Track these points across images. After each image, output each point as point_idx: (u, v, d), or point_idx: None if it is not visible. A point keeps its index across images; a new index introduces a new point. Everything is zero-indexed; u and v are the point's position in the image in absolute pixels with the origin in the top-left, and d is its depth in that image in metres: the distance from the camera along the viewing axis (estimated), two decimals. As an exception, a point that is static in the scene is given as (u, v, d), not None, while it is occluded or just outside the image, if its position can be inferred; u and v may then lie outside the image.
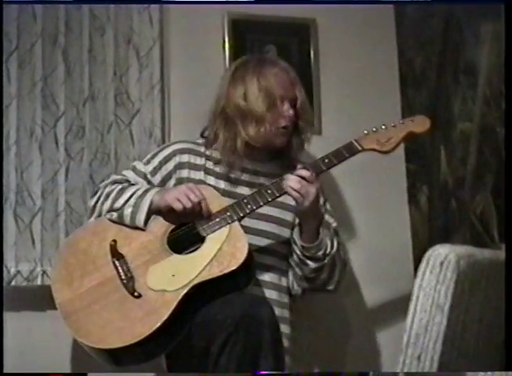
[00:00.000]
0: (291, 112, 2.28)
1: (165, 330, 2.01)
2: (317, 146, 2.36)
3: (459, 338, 1.50)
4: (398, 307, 2.68)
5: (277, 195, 2.18)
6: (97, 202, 2.28)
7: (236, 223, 2.15)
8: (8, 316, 2.41)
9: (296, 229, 2.26)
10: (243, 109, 2.27)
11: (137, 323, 2.02)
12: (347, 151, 2.19)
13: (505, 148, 2.08)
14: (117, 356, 2.06)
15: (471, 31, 2.56)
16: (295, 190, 2.13)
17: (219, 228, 2.14)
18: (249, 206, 2.17)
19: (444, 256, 1.47)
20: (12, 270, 2.44)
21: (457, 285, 1.46)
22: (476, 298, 1.53)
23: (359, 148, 2.20)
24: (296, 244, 2.25)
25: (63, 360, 2.47)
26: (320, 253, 2.22)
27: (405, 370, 1.48)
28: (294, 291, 2.34)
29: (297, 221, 2.30)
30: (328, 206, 2.40)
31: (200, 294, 2.06)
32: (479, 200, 2.52)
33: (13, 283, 2.43)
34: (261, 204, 2.18)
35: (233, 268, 2.06)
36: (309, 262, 2.23)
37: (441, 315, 1.46)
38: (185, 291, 2.04)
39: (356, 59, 2.91)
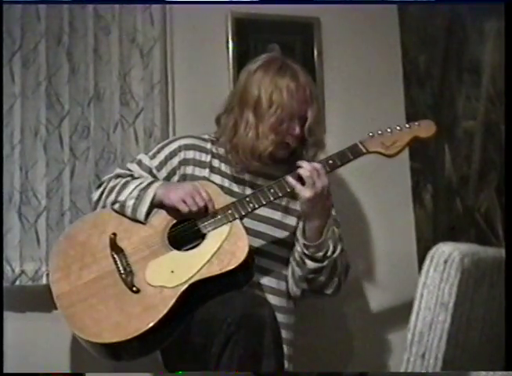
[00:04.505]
0: (298, 131, 2.24)
1: (162, 326, 2.00)
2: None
3: (464, 335, 1.50)
4: (402, 306, 2.68)
5: (280, 195, 2.17)
6: (101, 196, 2.28)
7: (238, 221, 2.14)
8: (12, 316, 2.42)
9: (299, 226, 2.24)
10: (251, 121, 2.24)
11: (134, 319, 2.01)
12: (352, 153, 2.18)
13: (505, 149, 2.08)
14: (113, 351, 2.05)
15: (475, 29, 2.56)
16: (307, 170, 2.12)
17: (220, 225, 2.13)
18: (251, 205, 2.16)
19: (448, 254, 1.46)
20: (17, 270, 2.44)
21: (461, 283, 1.46)
22: (480, 296, 1.53)
23: (364, 150, 2.19)
24: (298, 241, 2.23)
25: (64, 360, 2.48)
26: (320, 254, 2.19)
27: (410, 369, 1.48)
28: (293, 292, 2.31)
29: (300, 222, 2.28)
30: (333, 212, 2.39)
31: (199, 292, 2.05)
32: (483, 198, 2.52)
33: (18, 282, 2.43)
34: (264, 202, 2.17)
35: (233, 267, 2.05)
36: (308, 261, 2.21)
37: (446, 313, 1.46)
38: (183, 288, 2.03)
39: (360, 58, 2.91)
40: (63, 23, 2.56)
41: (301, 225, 2.23)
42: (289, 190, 2.17)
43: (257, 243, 2.27)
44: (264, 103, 2.22)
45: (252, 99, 2.23)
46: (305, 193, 2.12)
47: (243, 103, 2.25)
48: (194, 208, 2.13)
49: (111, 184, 2.28)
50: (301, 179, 2.14)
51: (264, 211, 2.27)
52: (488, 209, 2.50)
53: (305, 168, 2.13)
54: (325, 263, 2.20)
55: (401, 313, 2.66)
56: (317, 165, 2.14)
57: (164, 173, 2.31)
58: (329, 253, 2.20)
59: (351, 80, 2.90)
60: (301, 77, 2.26)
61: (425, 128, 2.22)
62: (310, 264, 2.21)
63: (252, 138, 2.23)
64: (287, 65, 2.28)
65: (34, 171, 2.51)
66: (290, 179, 2.14)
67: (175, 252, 2.13)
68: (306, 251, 2.20)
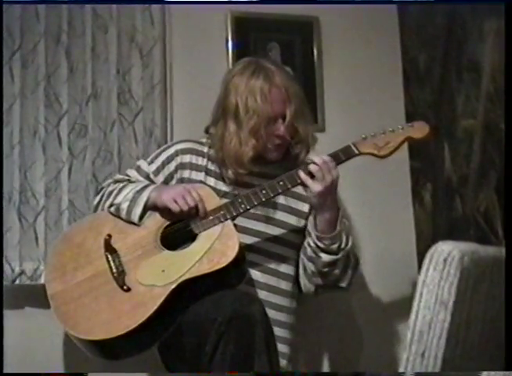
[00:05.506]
0: (282, 130, 2.24)
1: (152, 324, 2.02)
2: (320, 143, 2.35)
3: (463, 334, 1.50)
4: (401, 305, 2.68)
5: (271, 195, 2.18)
6: (100, 201, 2.32)
7: (229, 222, 2.15)
8: (12, 315, 2.42)
9: (310, 220, 2.24)
10: (232, 129, 2.24)
11: (123, 316, 2.04)
12: (344, 154, 2.19)
13: (505, 149, 2.08)
14: (104, 348, 2.07)
15: (474, 28, 2.55)
16: (317, 164, 2.13)
17: (212, 226, 2.14)
18: (243, 205, 2.17)
19: (447, 253, 1.46)
20: (17, 269, 2.44)
21: (461, 282, 1.46)
22: (480, 295, 1.53)
23: (356, 152, 2.19)
24: (310, 235, 2.23)
25: (64, 360, 2.48)
26: (335, 246, 2.20)
27: (409, 368, 1.48)
28: (306, 289, 2.32)
29: (304, 220, 2.29)
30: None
31: (190, 291, 2.07)
32: (483, 198, 2.52)
33: (17, 281, 2.44)
34: (255, 203, 2.18)
35: (222, 265, 2.06)
36: (322, 254, 2.21)
37: (445, 312, 1.45)
38: (173, 286, 2.05)
39: (359, 57, 2.91)
40: (62, 23, 2.56)
41: (311, 219, 2.24)
42: (289, 188, 2.17)
43: (258, 242, 2.27)
44: (241, 109, 2.23)
45: (232, 107, 2.24)
46: (316, 187, 2.13)
47: (226, 113, 2.26)
48: (185, 208, 2.14)
49: (109, 189, 2.32)
50: (311, 173, 2.14)
51: (263, 211, 2.28)
52: (487, 208, 2.50)
53: (315, 162, 2.14)
54: (339, 255, 2.21)
55: (400, 312, 2.67)
56: (327, 158, 2.15)
57: (161, 178, 2.33)
58: (343, 245, 2.21)
59: (350, 79, 2.90)
60: (276, 78, 2.25)
61: (418, 129, 2.22)
62: (325, 257, 2.21)
63: (235, 145, 2.24)
64: (261, 67, 2.27)
65: (33, 170, 2.52)
66: (302, 174, 2.15)
67: (167, 252, 2.15)
68: (320, 244, 2.20)
